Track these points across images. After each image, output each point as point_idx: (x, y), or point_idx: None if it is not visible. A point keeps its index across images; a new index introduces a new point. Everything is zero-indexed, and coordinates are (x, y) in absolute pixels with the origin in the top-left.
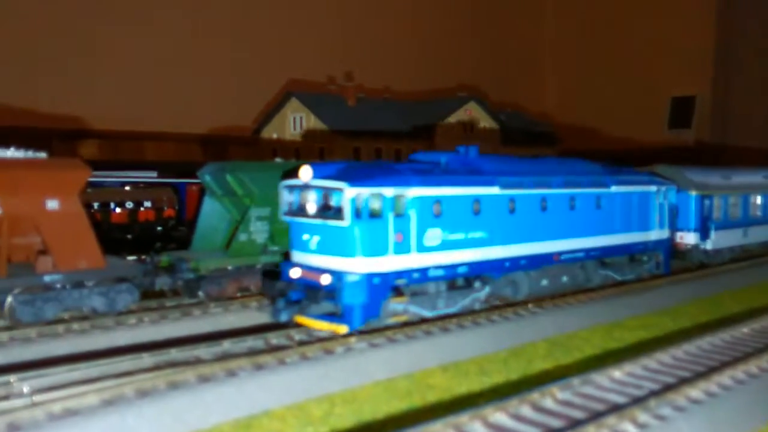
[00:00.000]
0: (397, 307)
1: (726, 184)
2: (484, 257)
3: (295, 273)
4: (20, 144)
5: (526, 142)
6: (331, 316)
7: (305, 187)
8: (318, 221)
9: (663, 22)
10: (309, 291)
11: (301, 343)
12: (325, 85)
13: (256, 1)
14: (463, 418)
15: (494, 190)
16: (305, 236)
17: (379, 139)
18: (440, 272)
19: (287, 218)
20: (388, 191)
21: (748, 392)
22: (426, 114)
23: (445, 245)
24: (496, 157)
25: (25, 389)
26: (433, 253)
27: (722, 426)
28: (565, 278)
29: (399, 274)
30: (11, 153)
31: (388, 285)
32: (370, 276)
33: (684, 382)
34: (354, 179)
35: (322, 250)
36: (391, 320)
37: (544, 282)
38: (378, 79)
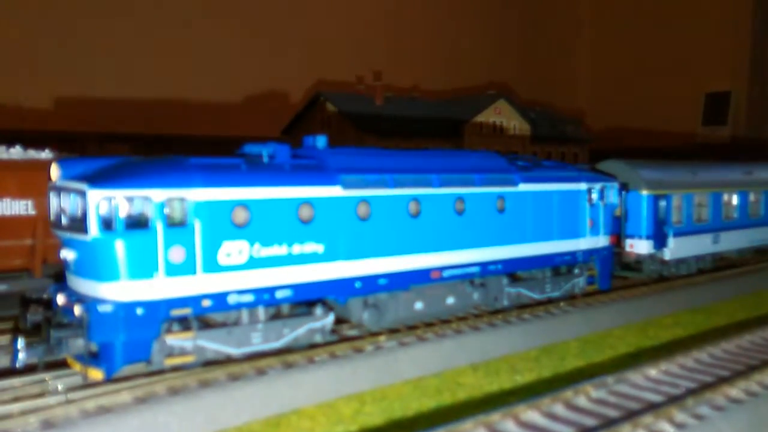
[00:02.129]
0: (184, 345)
1: (690, 182)
2: (319, 277)
3: (60, 300)
4: (54, 147)
5: (557, 140)
6: (91, 357)
7: (57, 189)
8: (69, 234)
9: (697, 18)
10: (62, 324)
11: (329, 343)
12: (354, 85)
13: (283, 3)
14: (494, 417)
15: (335, 191)
16: (64, 252)
17: (407, 139)
18: (248, 298)
19: (55, 231)
20: (157, 194)
21: None
22: (455, 112)
23: (255, 263)
24: (349, 150)
25: (60, 387)
26: (235, 273)
27: (765, 427)
28: (450, 299)
29: (177, 302)
30: (45, 155)
31: (160, 316)
32: (130, 306)
33: (723, 381)
34: (103, 178)
35: (78, 270)
36: (174, 362)
37: (419, 305)
38: (407, 78)
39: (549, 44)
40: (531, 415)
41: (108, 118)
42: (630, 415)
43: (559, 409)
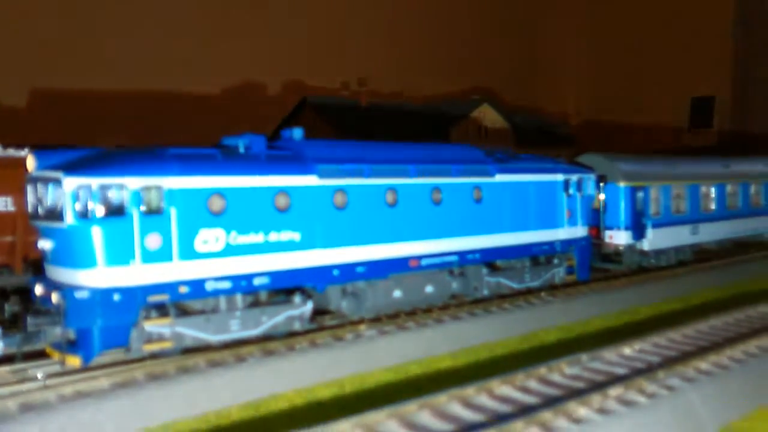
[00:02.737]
0: (162, 331)
1: (668, 174)
2: (297, 265)
3: (38, 290)
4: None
5: (542, 144)
6: (69, 345)
7: (33, 180)
8: (46, 223)
9: (681, 24)
10: (39, 311)
11: (309, 331)
12: (338, 91)
13: (269, 7)
14: (469, 391)
15: (310, 180)
16: (42, 242)
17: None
18: (225, 285)
19: (33, 222)
20: (132, 182)
21: (763, 365)
22: (440, 117)
23: (232, 250)
24: (325, 141)
25: (39, 375)
26: (212, 260)
27: (735, 396)
28: (429, 288)
29: (154, 289)
30: (24, 153)
31: (137, 303)
32: (107, 292)
33: (692, 355)
34: (79, 167)
35: (55, 259)
36: (152, 348)
37: (398, 294)
38: (392, 83)
39: (536, 50)
40: (505, 389)
41: (93, 118)
42: (599, 386)
43: (533, 384)
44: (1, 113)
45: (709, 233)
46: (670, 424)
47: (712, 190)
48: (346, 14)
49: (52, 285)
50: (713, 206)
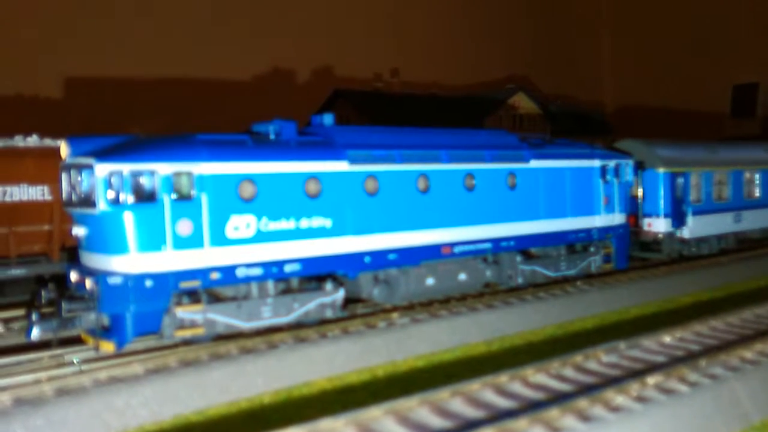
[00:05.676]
0: (194, 317)
1: (709, 159)
2: (328, 251)
3: (73, 276)
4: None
5: (578, 132)
6: (103, 331)
7: (67, 166)
8: (79, 210)
9: (722, 7)
10: (74, 297)
11: (341, 319)
12: (371, 83)
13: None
14: (502, 378)
15: (341, 166)
16: (76, 229)
17: None
18: (257, 271)
19: (67, 209)
20: (163, 168)
21: None
22: (474, 107)
23: (263, 237)
24: (356, 127)
25: (75, 360)
26: (243, 246)
27: None
28: (463, 276)
29: (186, 275)
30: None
31: (169, 288)
32: (139, 278)
33: (736, 343)
34: (111, 153)
35: (89, 245)
36: (185, 334)
37: (430, 281)
38: (426, 73)
39: (571, 38)
40: (540, 377)
41: (125, 106)
42: (637, 373)
43: (569, 371)
44: (39, 103)
45: (754, 221)
46: (712, 413)
47: (757, 176)
48: (379, 3)
49: (86, 271)
50: (758, 193)
